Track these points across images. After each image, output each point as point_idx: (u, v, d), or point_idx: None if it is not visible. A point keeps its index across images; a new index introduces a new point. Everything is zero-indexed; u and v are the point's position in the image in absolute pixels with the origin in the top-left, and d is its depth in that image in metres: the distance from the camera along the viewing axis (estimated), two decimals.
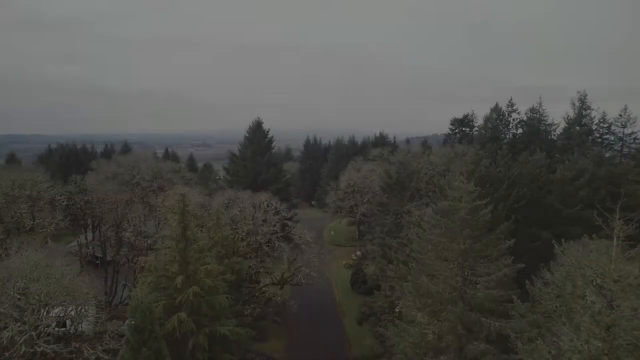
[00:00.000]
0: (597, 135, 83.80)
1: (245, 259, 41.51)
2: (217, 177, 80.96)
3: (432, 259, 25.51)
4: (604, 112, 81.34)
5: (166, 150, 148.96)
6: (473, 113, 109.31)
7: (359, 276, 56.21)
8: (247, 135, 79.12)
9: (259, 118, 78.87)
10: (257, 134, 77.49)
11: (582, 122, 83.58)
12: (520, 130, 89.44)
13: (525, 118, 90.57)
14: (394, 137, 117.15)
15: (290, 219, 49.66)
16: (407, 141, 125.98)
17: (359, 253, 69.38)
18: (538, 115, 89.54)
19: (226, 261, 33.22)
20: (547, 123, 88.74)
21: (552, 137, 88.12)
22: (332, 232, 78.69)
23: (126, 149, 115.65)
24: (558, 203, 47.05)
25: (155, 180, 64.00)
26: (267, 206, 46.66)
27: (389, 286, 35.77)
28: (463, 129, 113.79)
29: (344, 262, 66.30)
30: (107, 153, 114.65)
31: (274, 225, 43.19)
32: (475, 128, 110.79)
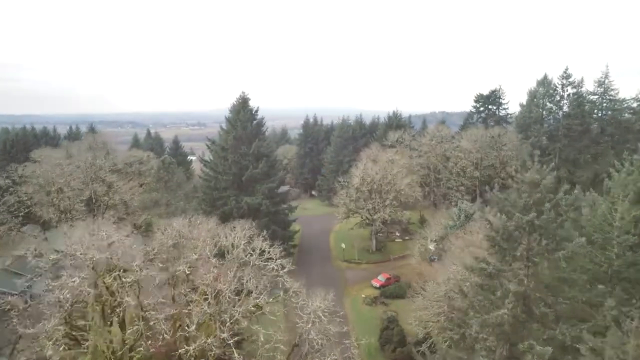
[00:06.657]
0: None
1: None
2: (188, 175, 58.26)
3: None
4: None
5: (148, 132, 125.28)
6: (500, 88, 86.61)
7: (392, 333, 35.18)
8: (228, 116, 56.24)
9: (244, 93, 55.82)
10: (242, 115, 54.64)
11: None
12: (579, 110, 67.25)
13: (584, 92, 68.26)
14: (409, 116, 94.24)
15: (286, 268, 27.33)
16: (424, 121, 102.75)
17: (381, 278, 48.29)
18: (603, 89, 67.22)
19: None
20: (615, 99, 66.45)
21: (624, 116, 65.94)
22: (343, 245, 56.97)
23: (93, 130, 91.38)
24: None
25: (92, 183, 41.63)
26: (246, 249, 24.76)
27: None
28: (489, 106, 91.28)
29: (363, 296, 44.85)
30: (71, 136, 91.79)
31: (259, 293, 21.46)
32: (504, 105, 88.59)
